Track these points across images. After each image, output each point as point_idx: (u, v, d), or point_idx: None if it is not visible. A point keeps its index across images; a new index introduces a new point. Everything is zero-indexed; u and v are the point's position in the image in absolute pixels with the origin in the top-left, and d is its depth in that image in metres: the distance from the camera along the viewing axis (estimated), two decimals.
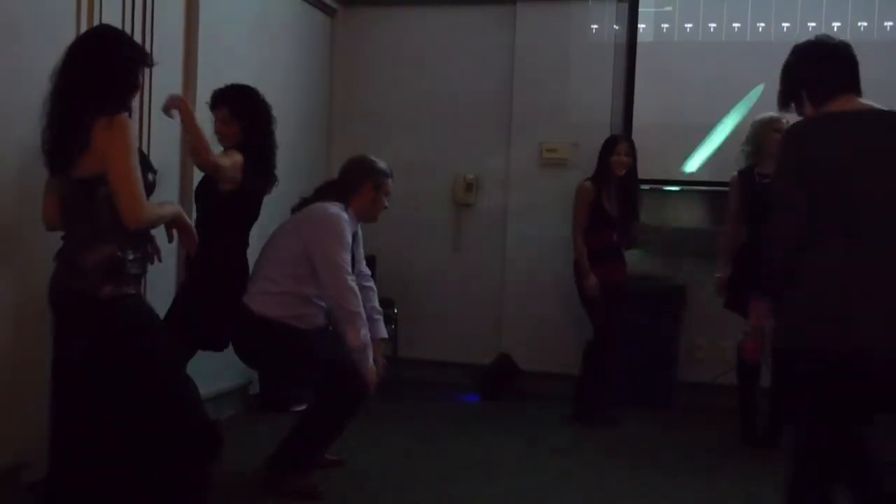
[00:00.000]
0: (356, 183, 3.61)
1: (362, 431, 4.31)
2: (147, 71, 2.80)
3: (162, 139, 3.94)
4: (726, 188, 5.03)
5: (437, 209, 5.73)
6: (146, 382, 2.54)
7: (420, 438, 4.38)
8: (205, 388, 4.30)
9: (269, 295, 3.41)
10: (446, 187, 5.72)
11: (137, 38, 3.77)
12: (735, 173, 4.55)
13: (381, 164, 3.69)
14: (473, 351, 5.57)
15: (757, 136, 4.44)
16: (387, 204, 3.71)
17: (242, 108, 3.50)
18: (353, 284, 3.39)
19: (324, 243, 3.38)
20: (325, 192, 3.70)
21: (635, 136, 5.34)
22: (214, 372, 4.27)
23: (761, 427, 4.45)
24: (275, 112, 3.78)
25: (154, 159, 3.76)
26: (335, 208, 3.51)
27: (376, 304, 3.80)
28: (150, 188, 2.63)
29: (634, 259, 5.44)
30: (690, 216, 5.42)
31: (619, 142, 4.75)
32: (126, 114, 2.52)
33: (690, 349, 5.36)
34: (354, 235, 3.64)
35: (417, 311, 5.66)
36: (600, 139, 5.33)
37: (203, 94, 4.18)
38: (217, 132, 3.52)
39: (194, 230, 2.83)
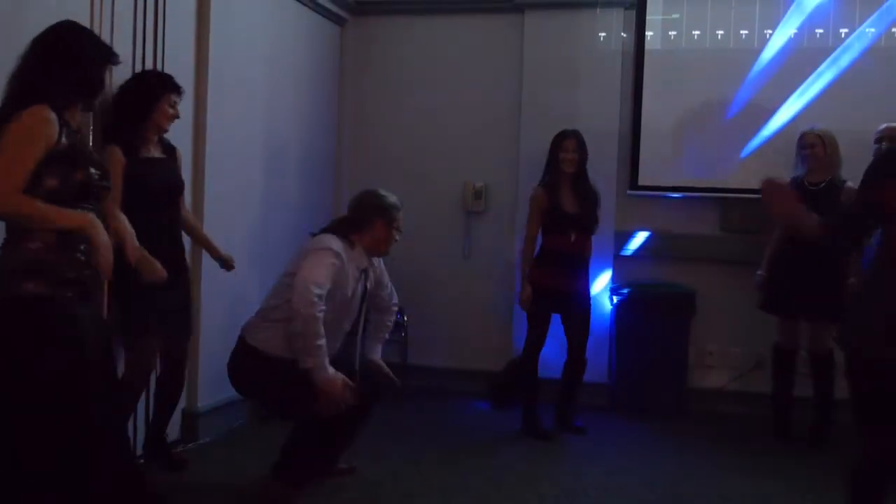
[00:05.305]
0: (367, 219, 3.58)
1: (373, 439, 4.34)
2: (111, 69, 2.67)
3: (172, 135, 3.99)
4: (736, 195, 5.09)
5: (446, 216, 5.75)
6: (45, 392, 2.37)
7: (430, 446, 4.39)
8: (212, 398, 4.32)
9: (267, 322, 3.42)
10: (456, 195, 5.74)
11: (149, 51, 3.82)
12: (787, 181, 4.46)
13: (392, 199, 3.63)
14: (484, 358, 5.56)
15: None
16: (397, 238, 3.67)
17: None
18: (318, 311, 3.25)
19: (304, 267, 3.34)
20: (334, 226, 3.65)
21: (643, 143, 5.37)
22: (221, 382, 4.30)
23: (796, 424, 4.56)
24: (285, 119, 3.80)
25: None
26: (333, 242, 3.45)
27: (388, 323, 3.84)
28: (76, 186, 2.45)
29: (644, 266, 5.46)
30: (700, 223, 5.41)
31: (567, 138, 4.58)
32: (47, 106, 2.39)
33: (701, 356, 5.36)
34: (365, 271, 3.60)
35: (427, 319, 5.67)
36: (609, 147, 5.37)
37: (213, 106, 4.24)
38: (172, 118, 3.60)
39: (111, 254, 2.50)
